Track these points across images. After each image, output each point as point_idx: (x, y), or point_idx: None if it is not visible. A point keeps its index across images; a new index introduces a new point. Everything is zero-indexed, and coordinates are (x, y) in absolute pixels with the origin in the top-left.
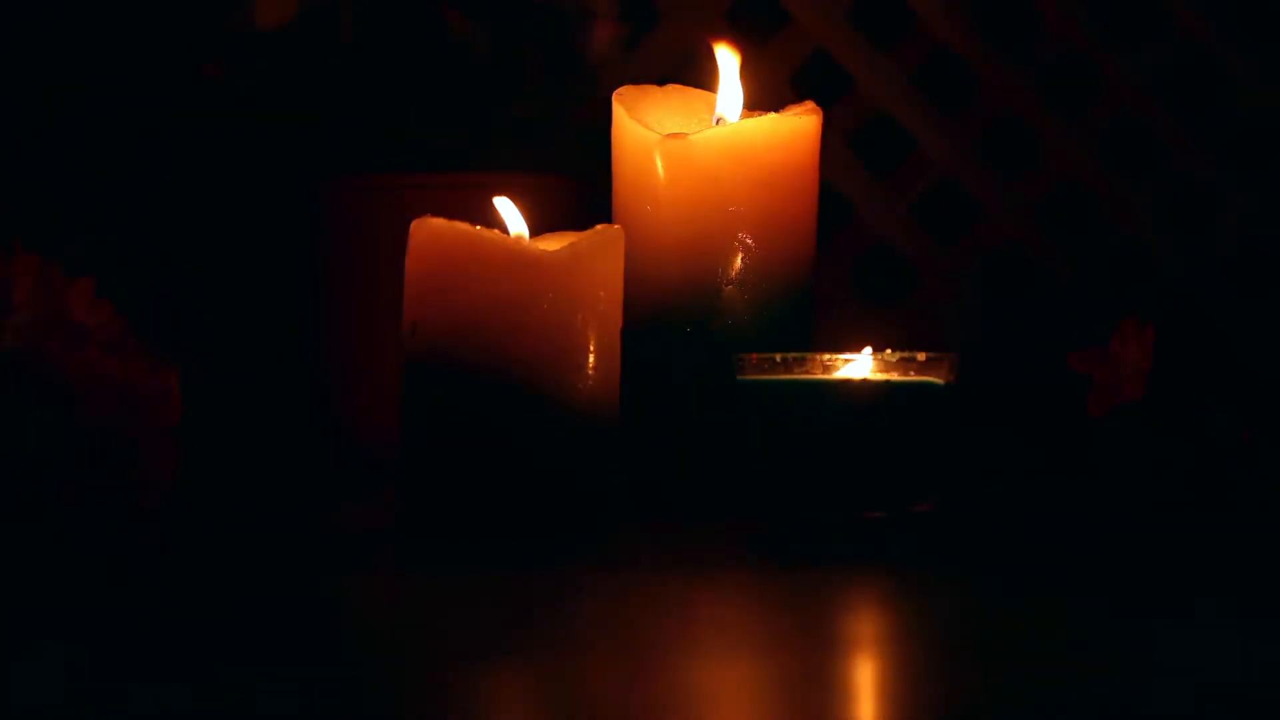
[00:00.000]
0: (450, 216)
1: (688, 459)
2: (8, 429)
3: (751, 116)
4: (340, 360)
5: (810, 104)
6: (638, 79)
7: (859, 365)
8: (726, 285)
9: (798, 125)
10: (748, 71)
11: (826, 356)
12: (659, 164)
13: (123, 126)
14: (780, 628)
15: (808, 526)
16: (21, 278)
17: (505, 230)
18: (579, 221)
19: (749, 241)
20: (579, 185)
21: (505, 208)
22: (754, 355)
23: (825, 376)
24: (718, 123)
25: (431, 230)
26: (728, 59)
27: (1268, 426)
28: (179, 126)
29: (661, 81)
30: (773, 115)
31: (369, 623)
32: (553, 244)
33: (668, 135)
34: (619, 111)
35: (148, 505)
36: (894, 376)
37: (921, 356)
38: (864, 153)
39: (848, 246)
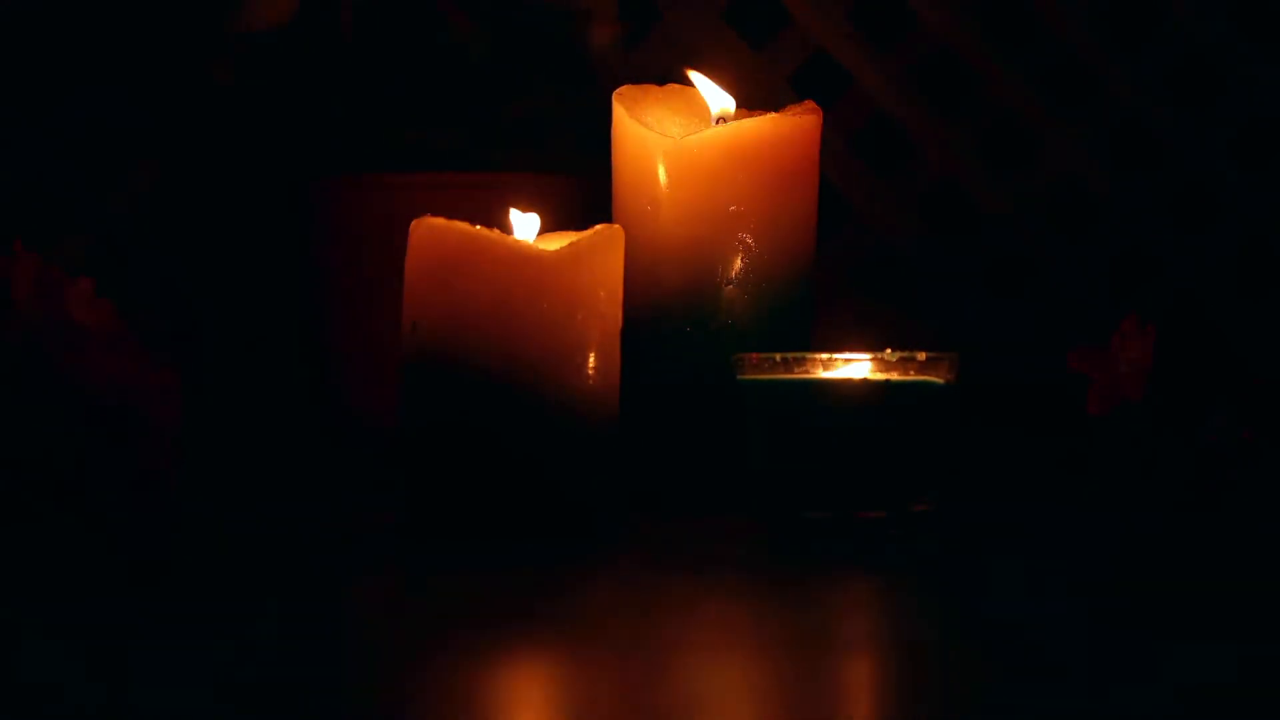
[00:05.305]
0: (450, 216)
1: (687, 459)
2: (9, 429)
3: (751, 116)
4: (344, 358)
5: (810, 104)
6: (638, 79)
7: (859, 366)
8: (726, 285)
9: (798, 125)
10: (748, 71)
11: (826, 356)
12: (659, 164)
13: (123, 126)
14: (779, 627)
15: (807, 526)
16: (21, 277)
17: (509, 231)
18: (579, 221)
19: (749, 241)
20: (579, 185)
21: (519, 219)
22: (754, 355)
23: (825, 376)
24: (718, 123)
25: (431, 230)
26: (700, 79)
27: (1268, 426)
28: (179, 125)
29: (661, 81)
30: (773, 115)
31: (365, 623)
32: (553, 244)
33: (668, 135)
34: (619, 111)
35: (151, 504)
36: (894, 376)
37: (921, 356)
38: (864, 152)
39: (848, 246)
